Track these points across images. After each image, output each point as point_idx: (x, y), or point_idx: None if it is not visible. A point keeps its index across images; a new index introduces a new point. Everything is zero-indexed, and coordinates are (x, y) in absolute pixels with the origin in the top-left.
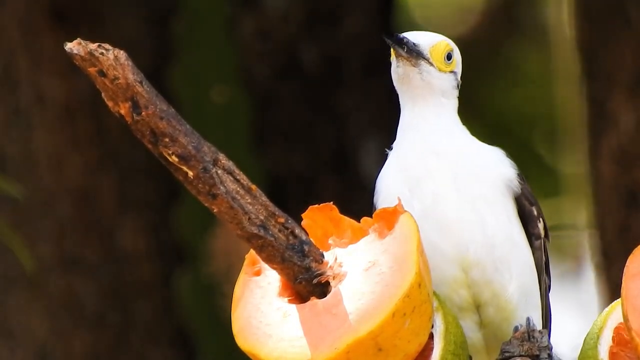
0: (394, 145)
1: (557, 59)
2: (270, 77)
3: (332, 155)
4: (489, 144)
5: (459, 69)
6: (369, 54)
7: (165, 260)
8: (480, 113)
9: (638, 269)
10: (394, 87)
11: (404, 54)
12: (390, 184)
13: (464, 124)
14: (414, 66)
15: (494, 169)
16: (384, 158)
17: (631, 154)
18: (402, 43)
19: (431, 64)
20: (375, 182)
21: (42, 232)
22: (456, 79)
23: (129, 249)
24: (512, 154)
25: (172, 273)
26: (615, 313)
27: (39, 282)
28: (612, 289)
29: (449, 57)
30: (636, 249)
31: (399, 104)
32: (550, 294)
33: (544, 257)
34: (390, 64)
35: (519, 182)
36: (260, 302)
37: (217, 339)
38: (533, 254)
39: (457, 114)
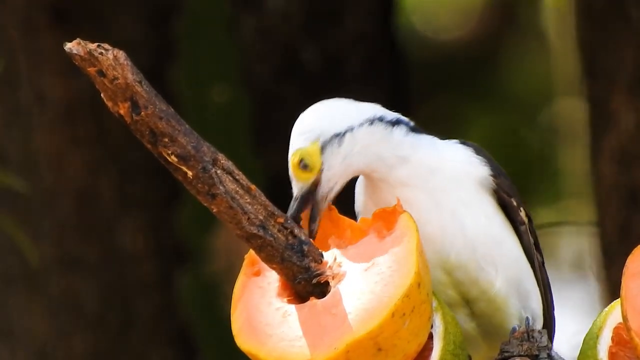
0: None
1: (557, 59)
2: (270, 77)
3: None
4: (489, 142)
5: (329, 156)
6: (369, 54)
7: (165, 260)
8: (480, 113)
9: (638, 269)
10: (393, 87)
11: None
12: (364, 205)
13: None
14: (318, 207)
15: (463, 172)
16: None
17: (631, 154)
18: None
19: (307, 185)
20: (355, 189)
21: (42, 231)
22: (332, 167)
23: (129, 248)
24: (512, 153)
25: (172, 273)
26: (614, 313)
27: (39, 282)
28: (612, 289)
29: (305, 166)
30: (636, 248)
31: (402, 104)
32: (545, 267)
33: (531, 239)
34: (389, 64)
35: (492, 178)
36: (259, 302)
37: (217, 339)
38: (521, 239)
39: (397, 138)
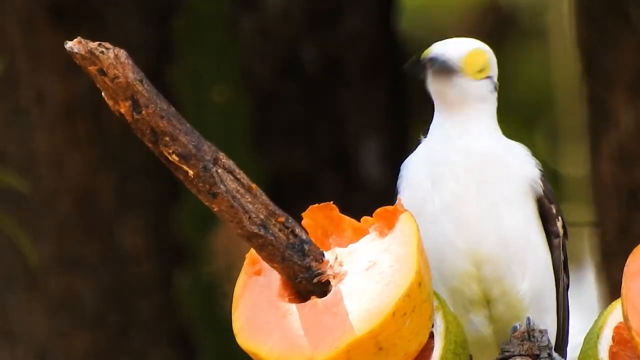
0: (426, 138)
1: (557, 58)
2: (270, 76)
3: (332, 155)
4: None
5: (494, 71)
6: (369, 54)
7: (165, 260)
8: None
9: (638, 269)
10: (393, 87)
11: (433, 73)
12: (415, 174)
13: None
14: (448, 82)
15: (518, 169)
16: (416, 145)
17: (631, 154)
18: (431, 62)
19: (464, 75)
20: (400, 168)
21: (42, 231)
22: (492, 82)
23: (129, 248)
24: None
25: (172, 273)
26: (615, 312)
27: (39, 281)
28: (612, 289)
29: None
30: (636, 248)
31: (402, 104)
32: (568, 292)
33: (562, 255)
34: (389, 64)
35: (541, 182)
36: (260, 302)
37: (217, 339)
38: (552, 253)
39: (492, 115)
